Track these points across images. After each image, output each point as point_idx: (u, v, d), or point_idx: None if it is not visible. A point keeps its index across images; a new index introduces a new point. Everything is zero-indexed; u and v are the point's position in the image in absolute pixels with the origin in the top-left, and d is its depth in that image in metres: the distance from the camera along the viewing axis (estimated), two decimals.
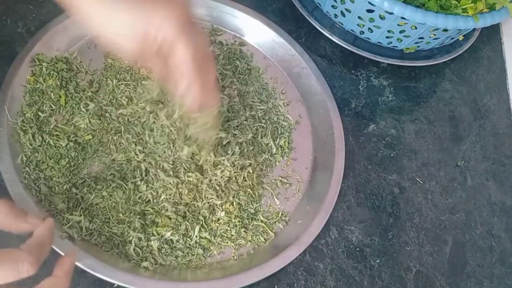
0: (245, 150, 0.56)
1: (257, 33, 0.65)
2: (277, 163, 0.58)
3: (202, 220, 0.51)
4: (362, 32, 0.67)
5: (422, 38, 0.65)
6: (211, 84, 0.44)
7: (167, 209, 0.50)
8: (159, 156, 0.52)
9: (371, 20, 0.63)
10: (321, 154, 0.59)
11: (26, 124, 0.51)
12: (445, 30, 0.62)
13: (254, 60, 0.64)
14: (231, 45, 0.64)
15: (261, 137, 0.58)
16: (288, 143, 0.59)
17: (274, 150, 0.58)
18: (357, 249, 0.56)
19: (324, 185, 0.56)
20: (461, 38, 0.70)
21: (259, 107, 0.60)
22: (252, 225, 0.53)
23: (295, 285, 0.52)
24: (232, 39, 0.65)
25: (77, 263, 0.44)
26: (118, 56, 0.47)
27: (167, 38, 0.40)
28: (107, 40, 0.40)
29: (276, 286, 0.51)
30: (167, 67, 0.42)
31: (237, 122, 0.57)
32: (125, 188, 0.50)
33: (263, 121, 0.60)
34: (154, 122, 0.53)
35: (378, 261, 0.56)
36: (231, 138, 0.55)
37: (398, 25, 0.62)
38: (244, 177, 0.54)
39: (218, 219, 0.51)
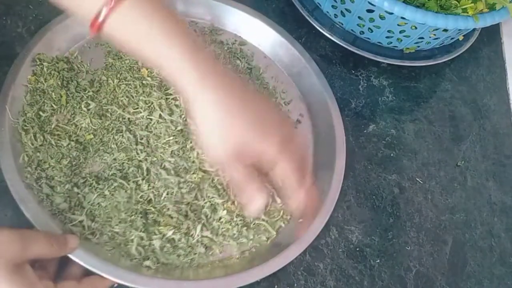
0: None
1: (258, 33, 0.65)
2: None
3: (203, 219, 0.51)
4: (362, 32, 0.67)
5: (422, 38, 0.65)
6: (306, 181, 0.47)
7: (168, 208, 0.50)
8: (161, 155, 0.52)
9: (371, 20, 0.63)
10: (322, 153, 0.59)
11: (28, 124, 0.51)
12: (445, 30, 0.62)
13: (254, 59, 0.65)
14: (231, 44, 0.64)
15: None
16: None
17: None
18: (357, 249, 0.56)
19: (325, 183, 0.56)
20: (461, 38, 0.70)
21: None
22: (253, 224, 0.53)
23: (295, 285, 0.52)
24: (233, 39, 0.65)
25: (79, 262, 0.44)
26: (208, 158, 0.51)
27: (268, 158, 0.43)
28: (203, 137, 0.43)
29: (276, 286, 0.51)
30: (245, 175, 0.44)
31: None
32: (127, 187, 0.50)
33: None
34: (157, 122, 0.53)
35: (378, 261, 0.56)
36: None
37: (398, 25, 0.62)
38: None
39: (220, 218, 0.51)
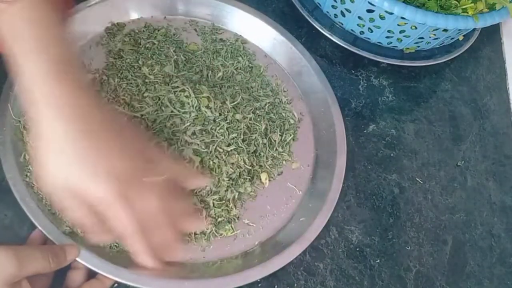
0: (259, 151, 0.57)
1: (258, 32, 0.65)
2: (284, 162, 0.58)
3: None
4: (362, 32, 0.67)
5: (422, 38, 0.65)
6: (168, 236, 0.44)
7: None
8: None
9: (371, 20, 0.63)
10: (323, 151, 0.59)
11: (29, 122, 0.51)
12: (445, 30, 0.62)
13: (255, 58, 0.65)
14: (234, 42, 0.65)
15: (270, 132, 0.58)
16: (293, 140, 0.60)
17: (281, 149, 0.58)
18: (357, 249, 0.56)
19: (326, 182, 0.56)
20: (461, 38, 0.70)
21: (266, 100, 0.60)
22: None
23: (295, 285, 0.52)
24: (233, 38, 0.65)
25: (79, 260, 0.44)
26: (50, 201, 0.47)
27: (102, 200, 0.39)
28: (37, 160, 0.39)
29: (276, 286, 0.51)
30: (99, 222, 0.41)
31: (250, 109, 0.58)
32: None
33: (271, 114, 0.60)
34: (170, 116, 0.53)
35: (378, 261, 0.56)
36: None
37: (398, 25, 0.62)
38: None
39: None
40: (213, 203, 0.51)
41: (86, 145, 0.39)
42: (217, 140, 0.53)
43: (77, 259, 0.44)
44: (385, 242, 0.57)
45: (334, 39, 0.67)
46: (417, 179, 0.62)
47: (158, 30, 0.62)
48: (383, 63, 0.69)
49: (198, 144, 0.52)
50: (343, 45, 0.67)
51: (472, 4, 0.59)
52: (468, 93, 0.72)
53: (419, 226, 0.59)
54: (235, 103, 0.57)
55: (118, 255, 0.47)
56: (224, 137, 0.53)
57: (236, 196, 0.53)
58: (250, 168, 0.54)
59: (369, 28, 0.65)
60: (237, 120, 0.56)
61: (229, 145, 0.53)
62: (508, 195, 0.65)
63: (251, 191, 0.54)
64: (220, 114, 0.55)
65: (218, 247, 0.51)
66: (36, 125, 0.39)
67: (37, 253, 0.40)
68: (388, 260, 0.56)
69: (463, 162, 0.66)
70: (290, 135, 0.59)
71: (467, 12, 0.59)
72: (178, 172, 0.46)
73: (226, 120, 0.55)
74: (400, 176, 0.62)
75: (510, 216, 0.63)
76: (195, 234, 0.50)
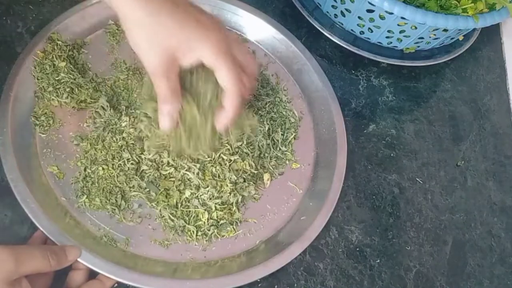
0: (263, 152, 0.56)
1: (258, 30, 0.65)
2: (287, 161, 0.58)
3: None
4: (362, 32, 0.67)
5: (422, 38, 0.65)
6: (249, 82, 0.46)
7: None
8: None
9: (371, 20, 0.63)
10: (323, 150, 0.59)
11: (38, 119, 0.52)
12: (445, 30, 0.62)
13: (255, 57, 0.64)
14: None
15: (273, 132, 0.58)
16: (294, 138, 0.60)
17: (284, 148, 0.58)
18: (357, 249, 0.56)
19: (327, 181, 0.56)
20: (461, 38, 0.70)
21: (267, 99, 0.60)
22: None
23: (295, 285, 0.52)
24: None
25: (80, 261, 0.44)
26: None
27: (206, 63, 0.41)
28: (134, 43, 0.41)
29: (276, 286, 0.51)
30: (175, 94, 0.43)
31: (253, 111, 0.57)
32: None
33: (272, 113, 0.60)
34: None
35: (378, 261, 0.56)
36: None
37: (398, 25, 0.62)
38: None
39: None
40: (216, 207, 0.51)
41: (185, 16, 0.40)
42: (221, 148, 0.52)
43: (78, 259, 0.44)
44: (385, 242, 0.57)
45: (334, 39, 0.67)
46: (417, 179, 0.62)
47: None
48: (383, 63, 0.69)
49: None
50: (343, 45, 0.67)
51: (472, 4, 0.59)
52: (468, 93, 0.72)
53: (419, 226, 0.59)
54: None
55: (118, 255, 0.47)
56: (229, 145, 0.52)
57: (240, 200, 0.53)
58: (256, 172, 0.54)
59: (369, 28, 0.65)
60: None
61: (233, 154, 0.52)
62: (508, 195, 0.65)
63: (255, 194, 0.54)
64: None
65: (219, 247, 0.51)
66: (124, 13, 0.40)
67: (36, 252, 0.41)
68: (388, 260, 0.56)
69: (463, 162, 0.66)
70: (292, 134, 0.59)
71: (467, 12, 0.59)
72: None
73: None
74: (400, 176, 0.62)
75: (510, 216, 0.63)
76: (197, 234, 0.50)
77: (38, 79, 0.53)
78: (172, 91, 0.42)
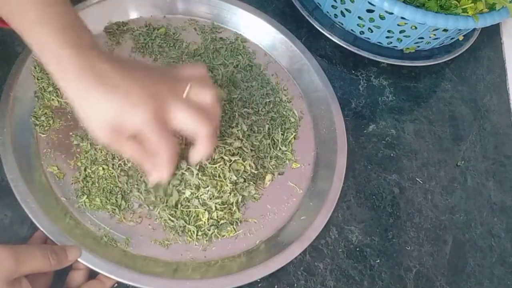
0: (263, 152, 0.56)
1: (258, 30, 0.65)
2: (287, 161, 0.58)
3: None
4: (362, 32, 0.67)
5: (422, 38, 0.65)
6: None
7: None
8: None
9: (371, 20, 0.63)
10: (323, 150, 0.59)
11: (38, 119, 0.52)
12: (445, 30, 0.62)
13: (255, 57, 0.65)
14: (234, 41, 0.64)
15: (273, 132, 0.58)
16: (294, 138, 0.60)
17: (284, 148, 0.58)
18: (357, 249, 0.56)
19: (327, 181, 0.56)
20: (461, 38, 0.70)
21: (266, 100, 0.61)
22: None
23: (295, 285, 0.52)
24: (233, 36, 0.65)
25: (80, 261, 0.45)
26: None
27: (140, 129, 0.41)
28: (80, 119, 0.42)
29: (276, 286, 0.51)
30: (141, 149, 0.43)
31: (253, 111, 0.58)
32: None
33: (272, 113, 0.60)
34: None
35: (378, 261, 0.56)
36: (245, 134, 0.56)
37: (398, 25, 0.62)
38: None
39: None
40: (216, 206, 0.51)
41: (111, 87, 0.40)
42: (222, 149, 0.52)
43: (78, 259, 0.44)
44: (385, 242, 0.57)
45: (334, 39, 0.67)
46: (417, 179, 0.62)
47: (158, 29, 0.62)
48: (383, 63, 0.69)
49: None
50: (343, 45, 0.67)
51: (472, 4, 0.59)
52: (468, 93, 0.72)
53: (419, 226, 0.59)
54: (242, 110, 0.57)
55: (118, 255, 0.47)
56: (229, 145, 0.52)
57: (240, 200, 0.52)
58: (256, 172, 0.54)
59: (369, 28, 0.65)
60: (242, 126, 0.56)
61: (233, 154, 0.52)
62: (508, 195, 0.65)
63: (255, 194, 0.54)
64: (225, 123, 0.55)
65: (219, 247, 0.51)
66: (64, 91, 0.41)
67: (36, 252, 0.41)
68: (388, 260, 0.56)
69: (463, 162, 0.66)
70: (292, 134, 0.59)
71: (467, 12, 0.59)
72: (197, 74, 0.47)
73: (231, 127, 0.55)
74: (400, 176, 0.62)
75: (510, 216, 0.63)
76: (197, 234, 0.50)
77: (38, 79, 0.53)
78: (136, 152, 0.44)
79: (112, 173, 0.50)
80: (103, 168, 0.50)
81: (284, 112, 0.61)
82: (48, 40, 0.39)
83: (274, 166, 0.57)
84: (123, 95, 0.40)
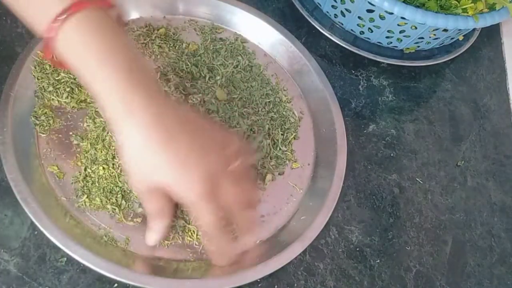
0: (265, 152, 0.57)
1: (258, 31, 0.65)
2: (287, 161, 0.58)
3: None
4: (362, 32, 0.67)
5: (422, 38, 0.65)
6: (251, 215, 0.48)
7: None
8: None
9: (371, 20, 0.63)
10: (323, 150, 0.59)
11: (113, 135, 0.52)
12: (445, 30, 0.62)
13: (255, 57, 0.65)
14: (234, 41, 0.65)
15: (273, 132, 0.58)
16: (294, 138, 0.60)
17: (284, 148, 0.58)
18: (357, 249, 0.56)
19: (327, 181, 0.56)
20: (461, 38, 0.70)
21: (266, 100, 0.61)
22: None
23: (295, 285, 0.52)
24: (233, 37, 0.65)
25: (80, 260, 0.45)
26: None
27: (187, 201, 0.42)
28: (124, 162, 0.42)
29: (276, 286, 0.51)
30: (162, 213, 0.45)
31: (253, 111, 0.58)
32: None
33: (272, 113, 0.60)
34: None
35: (378, 261, 0.56)
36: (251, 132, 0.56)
37: (398, 25, 0.62)
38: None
39: None
40: None
41: (169, 149, 0.40)
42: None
43: (79, 259, 0.44)
44: (385, 242, 0.57)
45: (334, 39, 0.67)
46: (417, 179, 0.62)
47: (158, 30, 0.62)
48: (383, 63, 0.69)
49: None
50: (343, 45, 0.67)
51: (472, 4, 0.59)
52: (468, 93, 0.72)
53: (419, 226, 0.59)
54: (241, 109, 0.57)
55: (119, 254, 0.47)
56: None
57: None
58: (256, 172, 0.54)
59: (369, 28, 0.65)
60: (241, 124, 0.56)
61: None
62: (508, 195, 0.65)
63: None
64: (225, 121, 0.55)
65: None
66: (118, 137, 0.40)
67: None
68: (388, 260, 0.56)
69: (463, 162, 0.66)
70: (292, 134, 0.59)
71: (467, 12, 0.59)
72: (245, 150, 0.49)
73: (231, 127, 0.55)
74: (400, 176, 0.62)
75: (510, 216, 0.63)
76: (197, 235, 0.50)
77: (38, 79, 0.53)
78: (157, 211, 0.44)
79: (113, 173, 0.50)
80: (103, 168, 0.50)
81: (284, 112, 0.61)
82: (114, 82, 0.38)
83: (274, 166, 0.57)
84: (185, 164, 0.40)
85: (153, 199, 0.43)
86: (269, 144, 0.57)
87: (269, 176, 0.56)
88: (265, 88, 0.62)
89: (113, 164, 0.51)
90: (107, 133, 0.52)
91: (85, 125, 0.53)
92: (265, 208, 0.55)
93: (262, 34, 0.65)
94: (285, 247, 0.51)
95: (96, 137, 0.52)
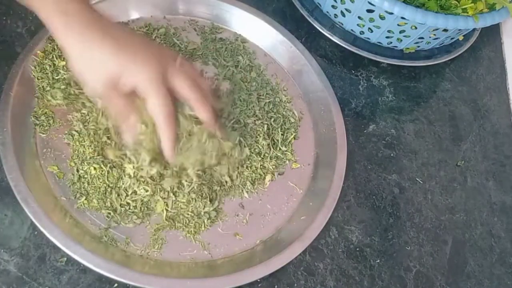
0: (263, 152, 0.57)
1: (258, 31, 0.65)
2: (287, 161, 0.58)
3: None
4: (362, 32, 0.67)
5: (422, 38, 0.65)
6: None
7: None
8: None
9: (371, 20, 0.63)
10: (323, 150, 0.59)
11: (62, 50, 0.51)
12: (445, 30, 0.62)
13: (255, 57, 0.65)
14: (234, 41, 0.65)
15: (272, 132, 0.58)
16: (294, 138, 0.60)
17: (284, 148, 0.58)
18: (357, 249, 0.56)
19: (327, 181, 0.56)
20: (461, 38, 0.70)
21: (266, 100, 0.61)
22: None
23: (295, 285, 0.52)
24: (233, 37, 0.65)
25: (80, 260, 0.45)
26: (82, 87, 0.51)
27: (138, 90, 0.44)
28: (77, 72, 0.44)
29: (276, 286, 0.51)
30: (128, 107, 0.45)
31: (251, 112, 0.58)
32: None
33: (271, 113, 0.60)
34: None
35: (378, 261, 0.56)
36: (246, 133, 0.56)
37: (398, 25, 0.62)
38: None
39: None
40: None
41: (118, 42, 0.43)
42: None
43: (78, 259, 0.44)
44: (385, 242, 0.57)
45: (334, 39, 0.67)
46: (417, 179, 0.62)
47: (158, 30, 0.62)
48: (383, 63, 0.69)
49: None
50: (343, 45, 0.67)
51: (472, 4, 0.59)
52: (468, 93, 0.72)
53: (419, 226, 0.59)
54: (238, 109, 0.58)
55: (119, 254, 0.47)
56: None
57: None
58: (253, 173, 0.55)
59: (369, 28, 0.65)
60: (239, 125, 0.56)
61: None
62: (508, 195, 0.65)
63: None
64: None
65: (220, 246, 0.51)
66: (64, 46, 0.42)
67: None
68: (388, 260, 0.56)
69: (463, 162, 0.66)
70: (292, 134, 0.59)
71: (467, 12, 0.59)
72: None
73: (227, 126, 0.55)
74: (400, 176, 0.62)
75: (510, 216, 0.63)
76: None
77: (38, 79, 0.53)
78: (121, 110, 0.45)
79: (103, 171, 0.50)
80: (95, 168, 0.50)
81: (284, 113, 0.61)
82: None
83: (274, 166, 0.57)
84: (131, 52, 0.43)
85: (114, 99, 0.44)
86: (268, 144, 0.57)
87: (268, 176, 0.56)
88: (265, 88, 0.62)
89: (102, 161, 0.50)
90: (91, 126, 0.52)
91: (74, 122, 0.53)
92: (265, 208, 0.55)
93: (263, 34, 0.65)
94: (285, 247, 0.51)
95: (81, 132, 0.52)
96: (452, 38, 0.69)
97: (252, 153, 0.56)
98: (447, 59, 0.70)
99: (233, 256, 0.51)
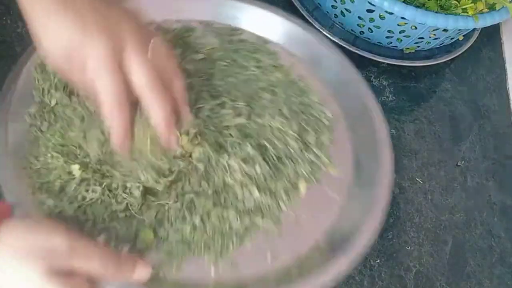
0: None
1: (281, 31, 0.60)
2: (322, 166, 0.52)
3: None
4: (362, 32, 0.67)
5: (422, 38, 0.65)
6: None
7: None
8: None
9: (371, 20, 0.63)
10: (362, 155, 0.53)
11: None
12: (445, 30, 0.62)
13: (279, 57, 0.59)
14: (255, 41, 0.60)
15: (303, 134, 0.53)
16: (329, 142, 0.54)
17: (318, 152, 0.52)
18: None
19: (371, 181, 0.51)
20: (461, 38, 0.70)
21: (293, 99, 0.55)
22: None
23: None
24: (253, 37, 0.60)
25: None
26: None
27: (92, 68, 0.39)
28: (38, 43, 0.40)
29: None
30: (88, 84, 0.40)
31: (279, 113, 0.53)
32: None
33: (302, 115, 0.54)
34: None
35: (378, 261, 0.56)
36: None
37: (398, 25, 0.62)
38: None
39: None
40: None
41: (73, 14, 0.38)
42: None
43: None
44: (385, 242, 0.57)
45: (334, 39, 0.67)
46: (417, 179, 0.62)
47: (172, 32, 0.59)
48: (383, 63, 0.69)
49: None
50: (343, 45, 0.67)
51: (472, 4, 0.59)
52: (468, 93, 0.72)
53: (419, 226, 0.59)
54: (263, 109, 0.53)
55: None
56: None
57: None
58: (286, 182, 0.49)
59: (369, 28, 0.65)
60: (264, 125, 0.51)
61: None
62: (508, 195, 0.65)
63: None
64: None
65: (249, 262, 0.45)
66: (29, 20, 0.39)
67: (96, 250, 0.35)
68: (388, 260, 0.56)
69: (463, 162, 0.66)
70: (326, 136, 0.54)
71: (467, 12, 0.59)
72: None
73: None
74: (400, 176, 0.62)
75: (510, 216, 0.63)
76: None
77: (38, 79, 0.53)
78: (83, 82, 0.41)
79: (88, 173, 0.46)
80: (79, 168, 0.47)
81: (316, 114, 0.55)
82: None
83: (308, 172, 0.51)
84: (82, 24, 0.38)
85: (75, 72, 0.40)
86: (300, 148, 0.51)
87: (302, 183, 0.50)
88: (292, 88, 0.56)
89: (88, 163, 0.47)
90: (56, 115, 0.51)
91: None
92: (300, 218, 0.48)
93: (286, 34, 0.60)
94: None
95: (61, 128, 0.50)
96: (452, 38, 0.69)
97: (281, 157, 0.50)
98: (447, 59, 0.70)
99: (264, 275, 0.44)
